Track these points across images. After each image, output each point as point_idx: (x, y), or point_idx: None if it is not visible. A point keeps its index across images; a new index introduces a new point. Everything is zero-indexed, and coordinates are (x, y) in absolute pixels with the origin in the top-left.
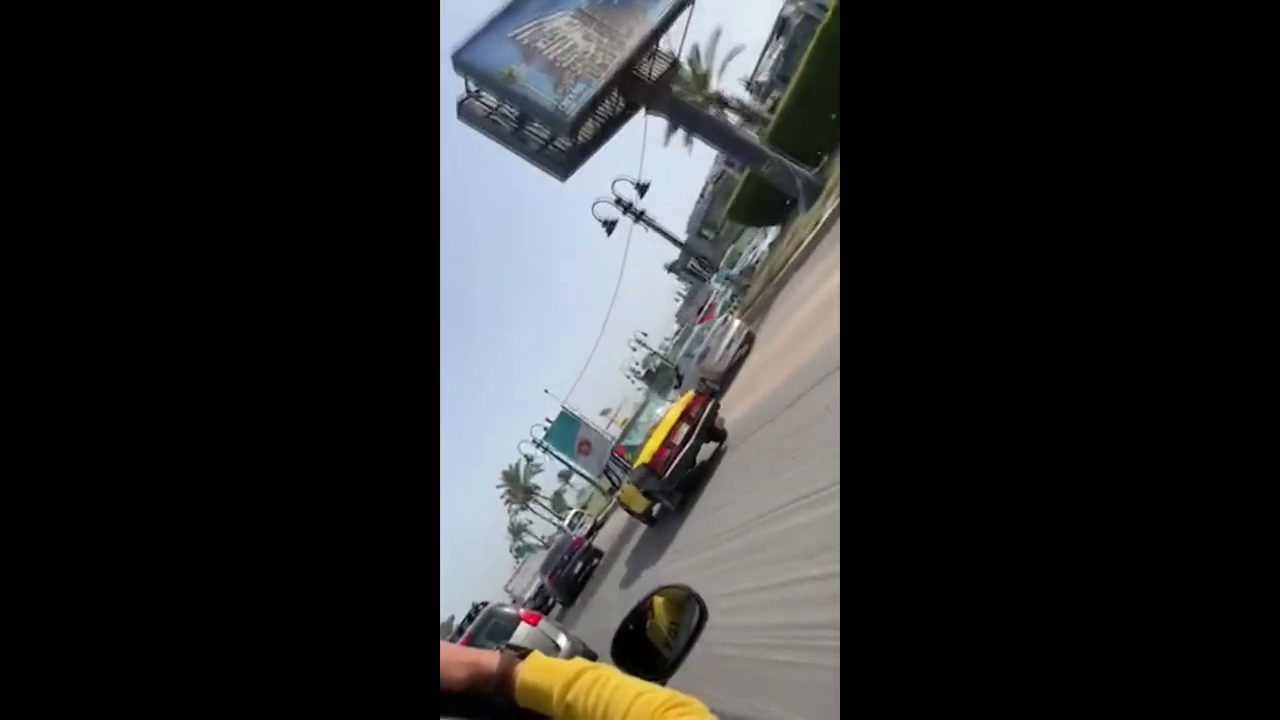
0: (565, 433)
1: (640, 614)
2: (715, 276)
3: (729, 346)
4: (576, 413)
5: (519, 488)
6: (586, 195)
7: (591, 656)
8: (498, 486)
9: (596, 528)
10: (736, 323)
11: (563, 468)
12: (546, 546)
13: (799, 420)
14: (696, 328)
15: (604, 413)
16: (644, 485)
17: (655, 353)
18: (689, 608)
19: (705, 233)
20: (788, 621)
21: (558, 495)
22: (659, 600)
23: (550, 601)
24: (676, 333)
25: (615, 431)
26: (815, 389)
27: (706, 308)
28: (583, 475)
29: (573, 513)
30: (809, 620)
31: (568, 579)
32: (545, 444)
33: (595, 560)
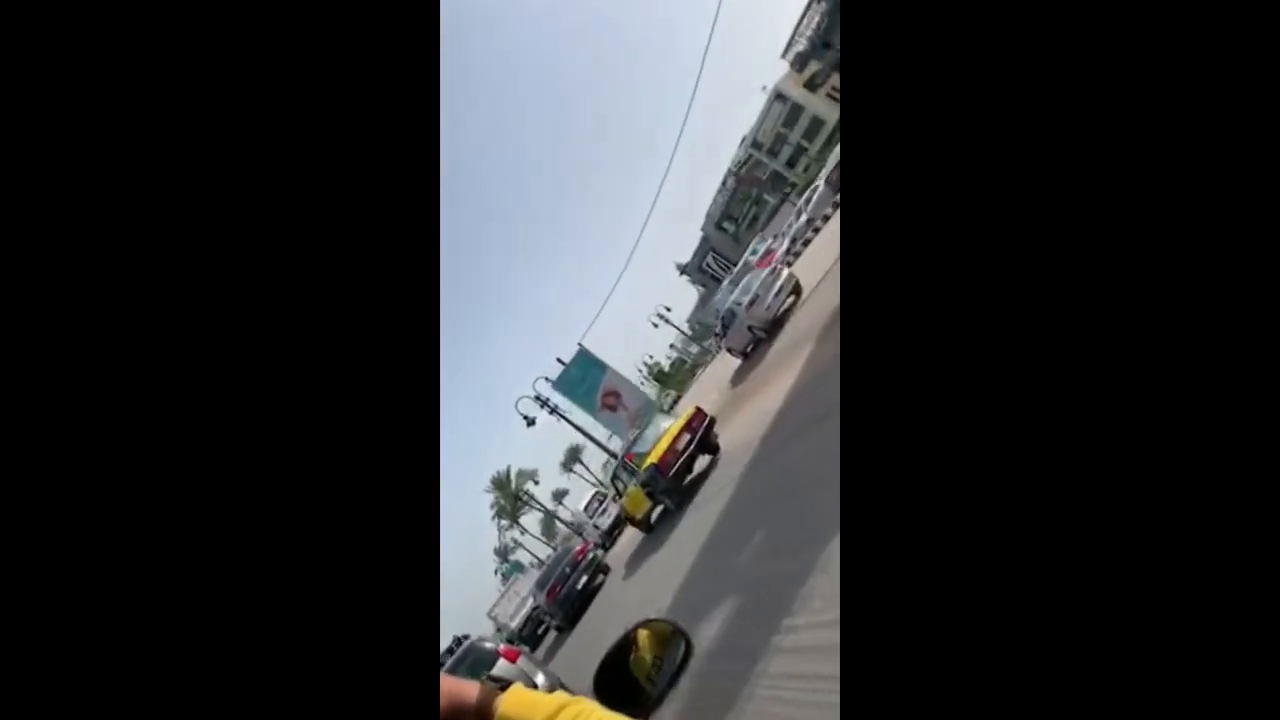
0: (584, 379)
1: (624, 646)
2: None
3: (777, 295)
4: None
5: (508, 494)
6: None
7: (565, 690)
8: (485, 491)
9: (623, 522)
10: (785, 271)
11: (557, 485)
12: (540, 565)
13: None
14: (746, 277)
15: None
16: (650, 485)
17: (679, 330)
18: (674, 642)
19: (725, 225)
20: (782, 670)
21: (549, 516)
22: (644, 633)
23: (542, 630)
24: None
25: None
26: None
27: (764, 252)
28: (601, 448)
29: (592, 494)
30: (805, 670)
31: (569, 597)
32: (551, 401)
33: (601, 577)
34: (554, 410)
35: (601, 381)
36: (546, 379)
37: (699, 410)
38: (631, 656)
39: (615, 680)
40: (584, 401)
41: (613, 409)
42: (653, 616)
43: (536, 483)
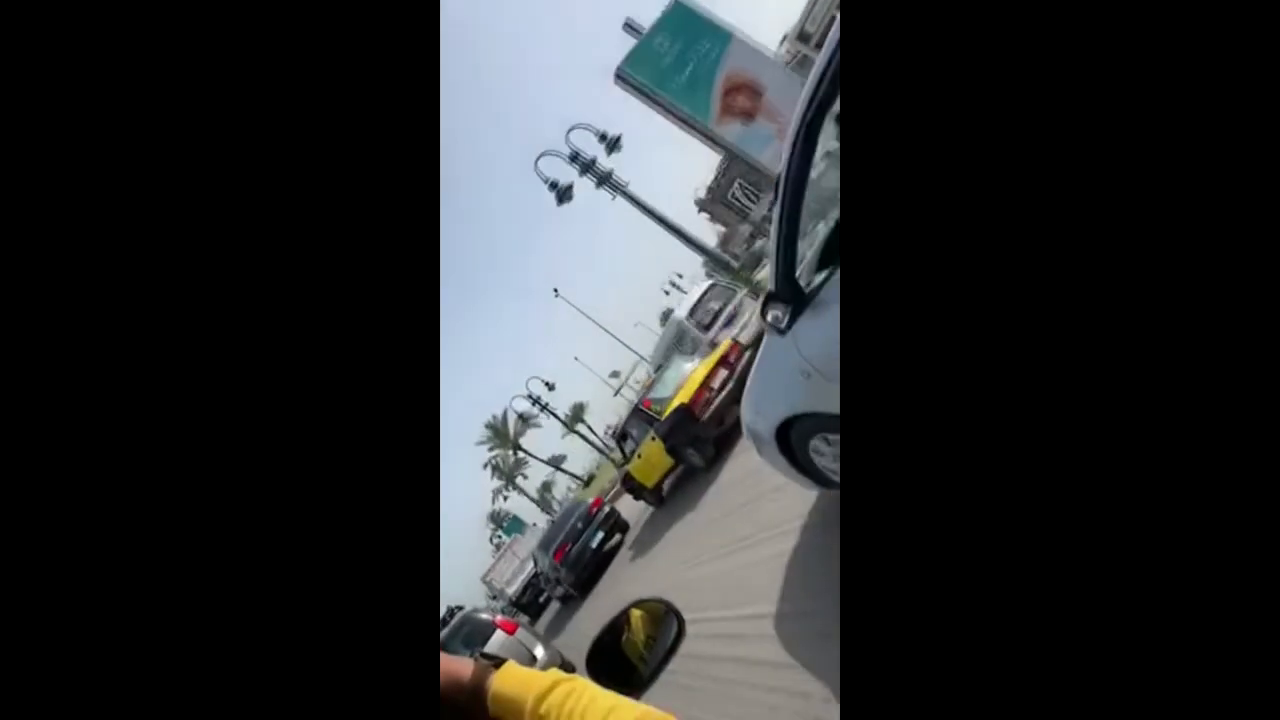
0: (686, 57)
1: (617, 626)
2: None
3: None
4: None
5: (505, 441)
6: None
7: (569, 669)
8: (479, 444)
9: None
10: None
11: (556, 446)
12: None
13: None
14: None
15: (614, 375)
16: (678, 433)
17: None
18: (666, 621)
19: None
20: (779, 659)
21: (545, 486)
22: (636, 613)
23: (543, 598)
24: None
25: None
26: None
27: None
28: (699, 250)
29: (706, 287)
30: (802, 659)
31: (580, 557)
32: (598, 164)
33: (619, 535)
34: (603, 181)
35: (721, 61)
36: (585, 128)
37: (735, 344)
38: (624, 636)
39: (608, 659)
40: (687, 97)
41: (748, 115)
42: (645, 596)
43: (555, 389)
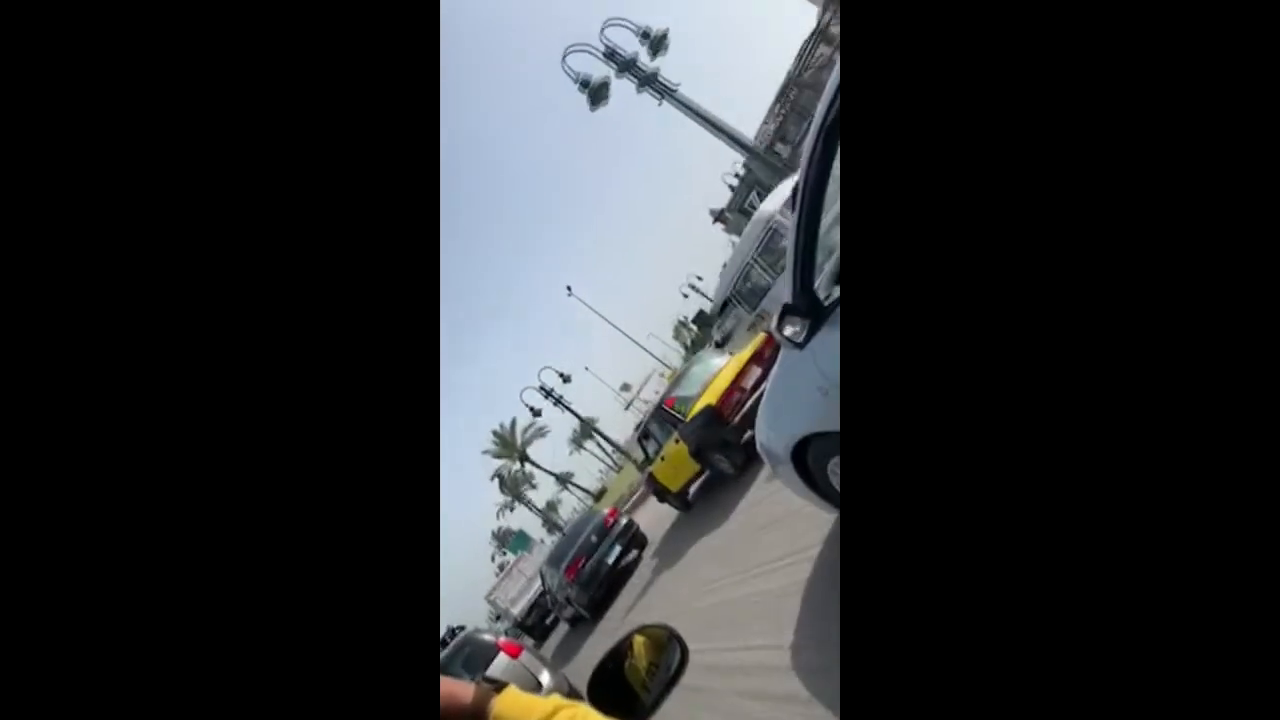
0: None
1: (619, 653)
2: None
3: None
4: None
5: (512, 451)
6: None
7: (578, 697)
8: (484, 452)
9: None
10: None
11: (564, 464)
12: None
13: None
14: None
15: (624, 388)
16: (703, 435)
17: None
18: (670, 648)
19: (779, 148)
20: (790, 692)
21: (550, 506)
22: (639, 639)
23: (550, 620)
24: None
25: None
26: None
27: None
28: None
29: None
30: (811, 692)
31: (595, 574)
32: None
33: (635, 552)
34: (647, 82)
35: None
36: (622, 23)
37: (770, 337)
38: (626, 663)
39: (610, 686)
40: None
41: None
42: (648, 623)
43: (570, 381)
